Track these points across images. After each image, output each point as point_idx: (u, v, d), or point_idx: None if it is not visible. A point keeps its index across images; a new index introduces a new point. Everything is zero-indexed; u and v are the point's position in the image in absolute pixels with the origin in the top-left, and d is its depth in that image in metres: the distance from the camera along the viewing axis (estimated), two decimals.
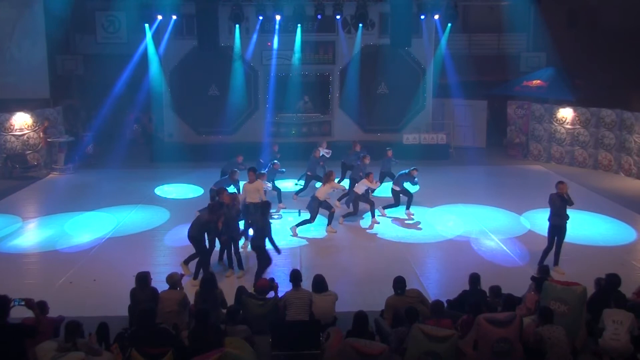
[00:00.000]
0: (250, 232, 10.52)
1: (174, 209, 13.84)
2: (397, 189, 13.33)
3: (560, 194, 9.96)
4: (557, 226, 10.04)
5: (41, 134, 17.73)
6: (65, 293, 9.40)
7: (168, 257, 10.80)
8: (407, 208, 13.38)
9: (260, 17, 18.43)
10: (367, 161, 13.96)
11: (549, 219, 10.17)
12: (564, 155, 18.86)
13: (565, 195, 9.97)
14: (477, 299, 7.44)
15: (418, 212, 13.61)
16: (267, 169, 13.69)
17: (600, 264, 10.14)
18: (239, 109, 19.77)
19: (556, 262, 10.17)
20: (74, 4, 18.85)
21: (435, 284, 9.92)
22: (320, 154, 15.01)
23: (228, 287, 8.35)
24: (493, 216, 13.51)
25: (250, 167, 12.25)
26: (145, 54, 19.02)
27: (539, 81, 19.72)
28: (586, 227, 12.66)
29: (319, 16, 17.97)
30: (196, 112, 19.78)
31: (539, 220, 12.49)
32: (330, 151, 15.54)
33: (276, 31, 18.87)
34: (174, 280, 7.74)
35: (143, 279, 7.71)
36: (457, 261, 10.84)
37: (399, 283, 7.65)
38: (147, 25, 18.31)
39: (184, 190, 15.84)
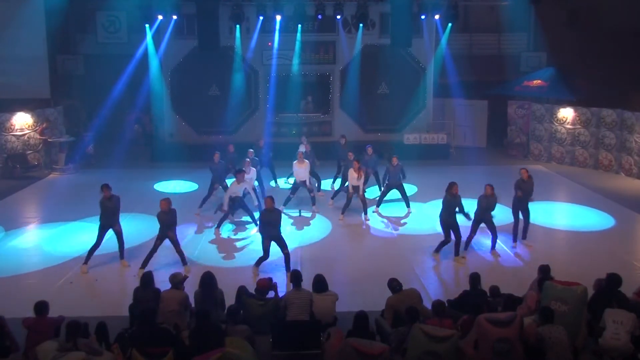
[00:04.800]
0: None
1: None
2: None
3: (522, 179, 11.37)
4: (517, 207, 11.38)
5: (38, 135, 17.72)
6: (66, 293, 9.40)
7: (169, 256, 10.78)
8: (378, 206, 13.64)
9: (261, 17, 18.40)
10: (351, 157, 13.94)
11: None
12: (565, 155, 18.84)
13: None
14: (478, 299, 7.45)
15: (418, 209, 13.74)
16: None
17: (600, 263, 10.13)
18: (240, 109, 19.75)
19: (524, 236, 11.48)
20: (75, 4, 18.85)
21: (436, 284, 9.92)
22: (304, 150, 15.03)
23: (226, 287, 8.32)
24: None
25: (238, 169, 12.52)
26: (145, 54, 19.00)
27: (539, 81, 19.70)
28: (586, 226, 12.67)
29: (320, 16, 17.92)
30: (197, 112, 19.78)
31: (538, 215, 12.53)
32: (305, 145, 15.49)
33: (277, 31, 18.86)
34: (176, 280, 7.75)
35: (147, 279, 7.75)
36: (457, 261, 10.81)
37: (394, 282, 7.73)
38: (147, 25, 18.26)
39: (182, 189, 15.88)
